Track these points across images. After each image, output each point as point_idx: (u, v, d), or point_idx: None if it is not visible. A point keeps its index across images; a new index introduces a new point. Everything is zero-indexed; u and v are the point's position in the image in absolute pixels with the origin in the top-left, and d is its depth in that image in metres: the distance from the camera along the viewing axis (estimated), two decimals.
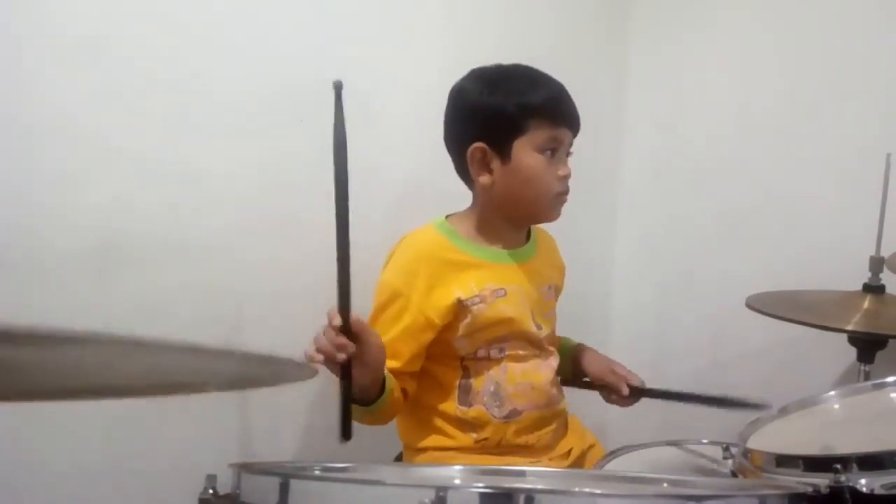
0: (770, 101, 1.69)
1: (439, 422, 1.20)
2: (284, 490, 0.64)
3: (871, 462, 0.79)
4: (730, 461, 1.01)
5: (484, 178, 1.17)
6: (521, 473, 0.90)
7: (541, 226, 1.31)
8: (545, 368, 1.24)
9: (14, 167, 1.03)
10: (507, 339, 1.20)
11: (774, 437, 0.96)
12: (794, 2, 1.68)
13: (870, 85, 1.57)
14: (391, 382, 1.12)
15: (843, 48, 1.60)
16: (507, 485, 0.80)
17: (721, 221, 1.77)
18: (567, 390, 1.31)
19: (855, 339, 1.36)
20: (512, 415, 1.19)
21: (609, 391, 1.30)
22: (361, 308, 1.20)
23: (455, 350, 1.18)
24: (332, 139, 0.94)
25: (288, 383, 0.61)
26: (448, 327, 1.17)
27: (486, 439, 1.19)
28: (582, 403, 1.37)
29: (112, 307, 1.10)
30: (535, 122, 1.14)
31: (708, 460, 1.14)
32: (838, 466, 0.78)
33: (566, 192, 1.19)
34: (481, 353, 1.19)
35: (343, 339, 0.97)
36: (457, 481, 0.90)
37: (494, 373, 1.19)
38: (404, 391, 1.17)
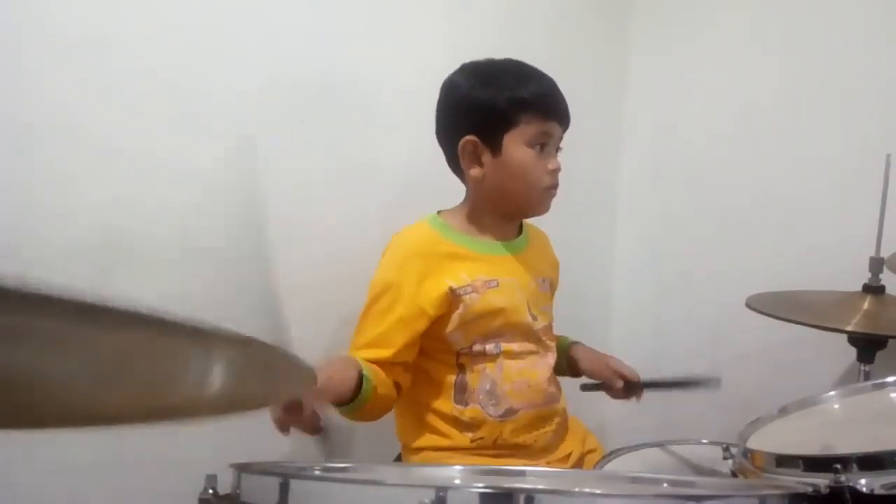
0: (770, 101, 1.70)
1: (435, 421, 1.20)
2: (284, 490, 0.64)
3: (871, 462, 0.79)
4: (730, 461, 1.01)
5: (475, 171, 1.18)
6: (521, 473, 0.90)
7: (535, 222, 1.32)
8: (542, 366, 1.24)
9: (14, 167, 1.03)
10: (502, 331, 1.19)
11: (774, 437, 0.96)
12: (794, 2, 1.68)
13: (870, 85, 1.57)
14: (371, 382, 1.11)
15: (843, 48, 1.60)
16: (507, 485, 0.80)
17: (721, 221, 1.77)
18: (567, 390, 1.31)
19: (855, 339, 1.36)
20: (508, 413, 1.19)
21: (607, 387, 1.30)
22: (359, 306, 1.21)
23: (450, 345, 1.18)
24: None
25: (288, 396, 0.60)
26: (441, 319, 1.17)
27: (482, 438, 1.19)
28: (582, 404, 1.37)
29: None
30: (525, 116, 1.15)
31: (708, 460, 1.14)
32: (838, 466, 0.78)
33: (555, 185, 1.20)
34: (476, 347, 1.19)
35: (308, 422, 0.98)
36: (457, 481, 0.90)
37: (490, 370, 1.19)
38: (397, 385, 1.17)
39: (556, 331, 1.33)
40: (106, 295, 0.40)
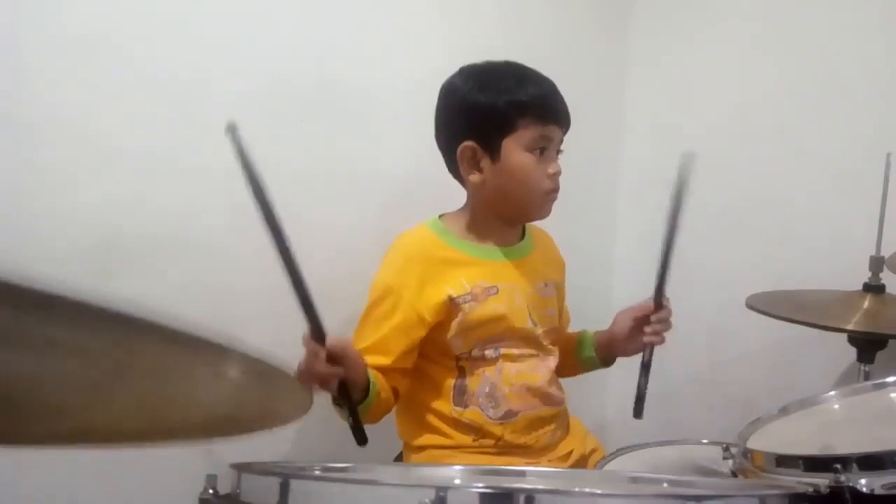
0: (770, 100, 1.70)
1: (436, 421, 1.20)
2: (284, 490, 0.64)
3: (871, 462, 0.79)
4: (730, 461, 1.01)
5: (474, 177, 1.18)
6: (522, 473, 0.91)
7: (538, 224, 1.31)
8: (542, 369, 1.23)
9: (14, 167, 1.03)
10: (502, 337, 1.19)
11: (774, 437, 0.96)
12: (793, 2, 1.68)
13: (870, 84, 1.57)
14: (376, 385, 1.12)
15: (842, 48, 1.60)
16: (507, 485, 0.80)
17: (721, 221, 1.77)
18: (568, 391, 1.31)
19: (855, 339, 1.36)
20: (507, 416, 1.19)
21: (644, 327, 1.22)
22: (358, 308, 1.21)
23: (450, 349, 1.18)
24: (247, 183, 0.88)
25: (284, 424, 0.60)
26: (440, 326, 1.17)
27: (482, 439, 1.18)
28: (582, 404, 1.37)
29: None
30: (523, 120, 1.14)
31: (708, 460, 1.14)
32: (838, 466, 0.78)
33: (556, 189, 1.19)
34: (476, 352, 1.18)
35: (333, 369, 1.00)
36: (457, 481, 0.90)
37: (490, 373, 1.19)
38: (395, 390, 1.17)
39: None
40: (113, 299, 0.39)
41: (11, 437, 0.45)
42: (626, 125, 1.92)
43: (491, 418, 1.18)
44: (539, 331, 1.23)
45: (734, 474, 0.96)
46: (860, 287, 1.36)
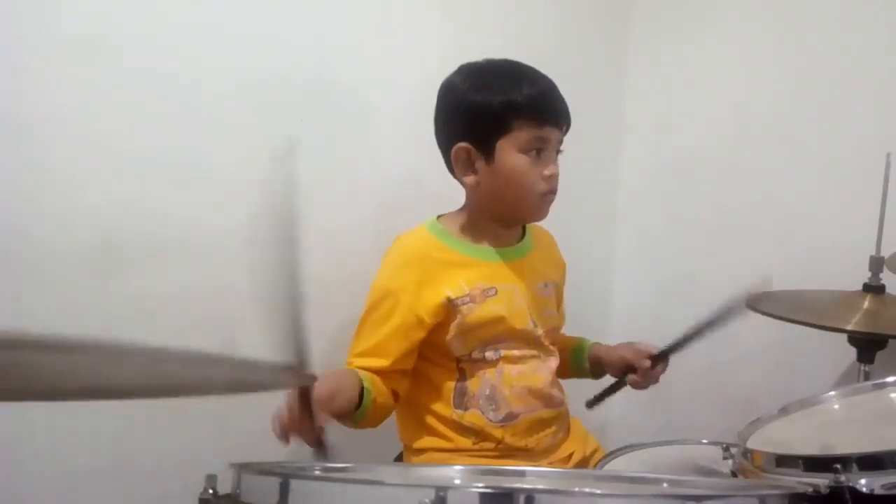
0: (770, 101, 1.69)
1: (436, 424, 1.20)
2: (284, 490, 0.64)
3: (871, 462, 0.79)
4: (730, 461, 1.01)
5: (469, 179, 1.17)
6: (522, 473, 0.90)
7: (541, 223, 1.30)
8: (543, 370, 1.23)
9: (14, 167, 1.03)
10: (502, 338, 1.19)
11: (774, 437, 0.96)
12: (794, 2, 1.68)
13: (870, 84, 1.57)
14: (371, 392, 1.12)
15: (842, 48, 1.60)
16: (507, 485, 0.80)
17: (721, 221, 1.77)
18: (568, 391, 1.31)
19: (855, 339, 1.36)
20: (508, 418, 1.19)
21: (634, 371, 1.25)
22: (357, 311, 1.20)
23: (450, 351, 1.18)
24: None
25: (283, 389, 0.61)
26: (439, 327, 1.16)
27: (483, 442, 1.18)
28: (582, 404, 1.37)
29: (112, 307, 1.10)
30: (518, 121, 1.13)
31: (708, 460, 1.14)
32: (838, 466, 0.78)
33: (553, 191, 1.18)
34: (476, 354, 1.18)
35: (315, 434, 0.94)
36: (457, 481, 0.90)
37: (490, 376, 1.18)
38: (395, 392, 1.17)
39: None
40: (104, 339, 0.41)
41: (24, 391, 0.46)
42: (626, 125, 1.91)
43: (491, 421, 1.18)
44: (540, 331, 1.23)
45: (734, 474, 0.96)
46: (860, 287, 1.36)
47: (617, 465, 1.14)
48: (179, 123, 1.17)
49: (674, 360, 1.26)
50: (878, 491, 0.77)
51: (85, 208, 1.09)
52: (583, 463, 1.26)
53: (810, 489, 0.75)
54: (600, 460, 1.18)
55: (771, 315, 1.31)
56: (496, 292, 1.18)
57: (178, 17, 1.16)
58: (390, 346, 1.15)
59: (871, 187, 1.35)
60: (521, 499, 0.59)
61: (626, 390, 1.30)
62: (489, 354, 1.19)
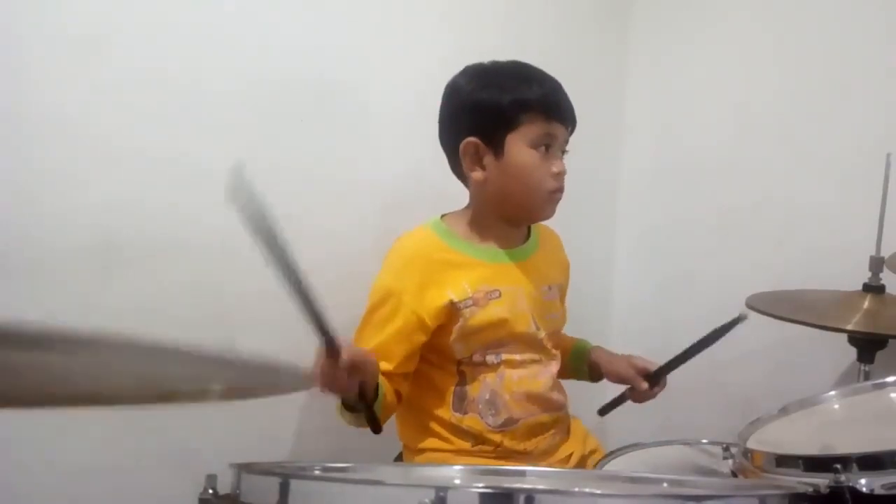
0: (770, 101, 1.69)
1: (436, 426, 1.19)
2: (284, 490, 0.64)
3: (871, 462, 0.79)
4: (730, 461, 1.01)
5: (476, 174, 1.17)
6: (521, 473, 0.90)
7: (547, 224, 1.30)
8: (544, 374, 1.22)
9: (14, 167, 1.03)
10: (504, 342, 1.18)
11: (774, 437, 0.96)
12: (794, 2, 1.68)
13: (870, 85, 1.57)
14: (384, 387, 1.12)
15: (843, 48, 1.60)
16: (507, 485, 0.80)
17: (721, 221, 1.77)
18: (570, 392, 1.30)
19: (855, 339, 1.36)
20: (508, 423, 1.18)
21: (629, 394, 1.27)
22: (358, 311, 1.20)
23: (451, 354, 1.18)
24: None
25: (286, 393, 0.61)
26: (441, 330, 1.16)
27: (482, 445, 1.18)
28: (582, 405, 1.37)
29: (112, 307, 1.10)
30: (528, 116, 1.13)
31: (708, 460, 1.14)
32: (838, 466, 0.78)
33: (560, 189, 1.18)
34: (477, 357, 1.18)
35: (354, 378, 1.00)
36: (457, 481, 0.90)
37: (490, 380, 1.18)
38: (398, 393, 1.17)
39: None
40: (98, 328, 0.41)
41: (21, 397, 0.46)
42: (626, 125, 1.91)
43: (490, 426, 1.17)
44: (542, 335, 1.22)
45: (734, 474, 0.96)
46: (860, 287, 1.36)
47: (617, 465, 1.14)
48: (179, 123, 1.16)
49: None
50: (878, 491, 0.77)
51: (85, 208, 1.09)
52: (581, 462, 1.26)
53: (810, 489, 0.75)
54: (600, 460, 1.18)
55: (771, 315, 1.31)
56: (499, 294, 1.18)
57: (178, 17, 1.16)
58: (393, 349, 1.14)
59: (871, 187, 1.35)
60: (521, 499, 0.59)
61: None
62: (490, 358, 1.18)
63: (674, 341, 1.25)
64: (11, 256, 1.03)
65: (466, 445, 1.18)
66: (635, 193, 1.92)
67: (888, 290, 1.35)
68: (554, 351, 1.25)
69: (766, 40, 1.71)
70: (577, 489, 0.82)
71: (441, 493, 0.57)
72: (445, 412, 1.18)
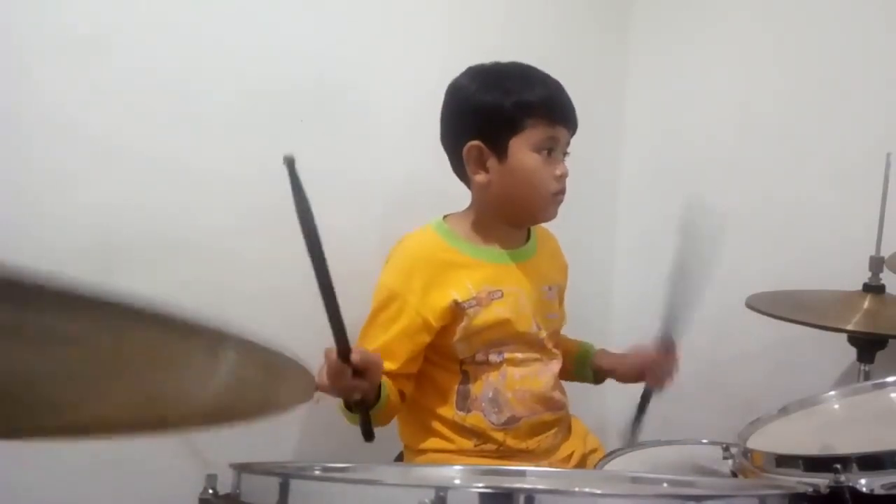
0: (770, 101, 1.70)
1: (438, 426, 1.19)
2: (284, 490, 0.64)
3: (871, 462, 0.79)
4: (730, 461, 1.01)
5: (480, 177, 1.17)
6: (522, 473, 0.90)
7: (546, 226, 1.30)
8: (546, 374, 1.23)
9: (14, 167, 1.03)
10: (506, 341, 1.19)
11: (774, 437, 0.96)
12: (794, 2, 1.68)
13: (870, 85, 1.57)
14: (387, 388, 1.12)
15: (843, 48, 1.60)
16: (507, 485, 0.80)
17: (721, 221, 1.77)
18: (570, 392, 1.30)
19: (855, 339, 1.36)
20: (510, 422, 1.18)
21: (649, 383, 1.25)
22: (360, 312, 1.20)
23: (454, 354, 1.18)
24: (296, 211, 0.90)
25: (284, 411, 0.60)
26: (445, 330, 1.16)
27: (484, 444, 1.18)
28: (582, 404, 1.37)
29: None
30: (531, 120, 1.13)
31: (708, 460, 1.14)
32: (838, 466, 0.78)
33: (563, 191, 1.18)
34: (480, 356, 1.18)
35: (358, 381, 1.00)
36: (457, 481, 0.90)
37: (493, 378, 1.18)
38: (401, 393, 1.17)
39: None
40: (109, 289, 0.39)
41: (8, 431, 0.44)
42: (626, 125, 1.92)
43: (493, 424, 1.18)
44: (543, 334, 1.22)
45: (734, 474, 0.96)
46: (860, 287, 1.36)
47: (617, 465, 1.14)
48: (179, 124, 1.16)
49: None
50: (878, 491, 0.76)
51: (85, 208, 1.09)
52: (582, 461, 1.26)
53: (810, 489, 0.75)
54: (600, 460, 1.18)
55: (771, 315, 1.31)
56: (502, 295, 1.18)
57: (178, 18, 1.16)
58: (397, 349, 1.14)
59: (871, 187, 1.35)
60: (521, 499, 0.59)
61: (626, 392, 1.30)
62: (493, 357, 1.18)
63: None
64: (11, 256, 1.03)
65: (469, 445, 1.18)
66: (635, 193, 1.93)
67: (888, 290, 1.35)
68: (555, 350, 1.26)
69: (766, 40, 1.71)
70: (577, 489, 0.82)
71: (441, 493, 0.57)
72: (448, 411, 1.18)
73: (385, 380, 1.12)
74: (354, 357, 0.97)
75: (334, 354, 0.96)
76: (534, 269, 1.24)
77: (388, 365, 1.13)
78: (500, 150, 1.15)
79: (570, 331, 1.40)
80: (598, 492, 0.74)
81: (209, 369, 0.50)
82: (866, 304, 1.33)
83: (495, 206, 1.20)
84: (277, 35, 1.26)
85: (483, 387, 1.18)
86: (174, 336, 0.46)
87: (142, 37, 1.12)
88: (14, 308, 0.36)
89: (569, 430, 1.29)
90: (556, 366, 1.25)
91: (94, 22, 1.07)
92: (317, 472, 0.81)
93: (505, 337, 1.18)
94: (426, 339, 1.16)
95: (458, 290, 1.15)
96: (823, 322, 1.28)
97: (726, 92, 1.76)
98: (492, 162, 1.16)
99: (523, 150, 1.14)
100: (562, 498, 0.67)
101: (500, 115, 1.13)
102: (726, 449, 1.07)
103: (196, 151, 1.18)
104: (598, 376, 1.35)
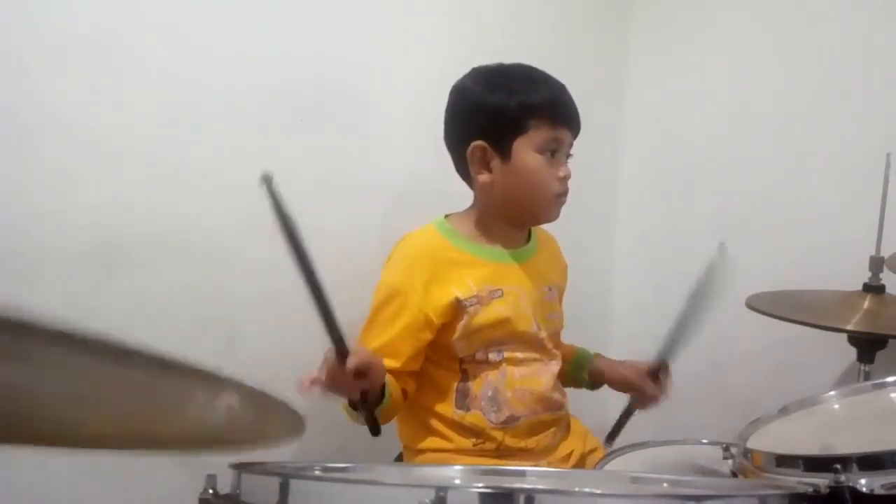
0: (770, 101, 1.70)
1: (437, 424, 1.19)
2: (284, 490, 0.64)
3: (871, 462, 0.79)
4: (730, 461, 1.01)
5: (483, 177, 1.17)
6: (522, 473, 0.91)
7: (545, 227, 1.30)
8: (545, 374, 1.23)
9: (14, 167, 1.03)
10: (506, 340, 1.19)
11: (774, 437, 0.96)
12: (794, 2, 1.68)
13: (870, 85, 1.57)
14: (391, 386, 1.12)
15: (843, 48, 1.60)
16: (507, 485, 0.80)
17: (721, 221, 1.77)
18: (569, 392, 1.30)
19: (855, 339, 1.36)
20: (510, 420, 1.18)
21: (636, 402, 1.24)
22: (360, 312, 1.20)
23: (454, 352, 1.18)
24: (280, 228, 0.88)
25: (276, 444, 0.60)
26: (445, 328, 1.16)
27: (483, 443, 1.18)
28: (582, 404, 1.37)
29: (112, 307, 1.10)
30: (535, 121, 1.14)
31: (708, 460, 1.14)
32: (838, 466, 0.78)
33: (565, 192, 1.19)
34: (479, 355, 1.18)
35: (358, 382, 1.00)
36: (457, 481, 0.90)
37: (493, 377, 1.18)
38: (404, 391, 1.17)
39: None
40: (116, 336, 0.41)
41: (9, 438, 0.45)
42: (626, 125, 1.92)
43: (492, 423, 1.18)
44: (543, 334, 1.23)
45: (734, 474, 0.96)
46: (860, 287, 1.36)
47: (617, 465, 1.14)
48: (179, 123, 1.16)
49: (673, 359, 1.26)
50: (878, 491, 0.76)
51: (85, 208, 1.09)
52: (581, 460, 1.26)
53: (810, 489, 0.75)
54: (600, 460, 1.18)
55: (771, 315, 1.31)
56: (502, 294, 1.18)
57: (178, 18, 1.15)
58: (400, 347, 1.15)
59: (871, 187, 1.35)
60: (521, 499, 0.60)
61: (626, 395, 1.29)
62: (492, 356, 1.18)
63: None
64: (11, 256, 1.03)
65: (467, 444, 1.18)
66: (635, 193, 1.93)
67: (888, 290, 1.35)
68: (554, 351, 1.26)
69: (766, 40, 1.71)
70: (577, 489, 0.82)
71: (441, 493, 0.57)
72: (448, 409, 1.18)
73: (389, 378, 1.12)
74: (350, 362, 0.96)
75: (333, 356, 0.96)
76: (534, 270, 1.24)
77: (391, 363, 1.13)
78: (504, 151, 1.15)
79: (569, 331, 1.39)
80: (598, 492, 0.74)
81: (208, 407, 0.51)
82: (866, 304, 1.33)
83: (498, 207, 1.20)
84: (277, 35, 1.26)
85: (482, 385, 1.18)
86: (172, 378, 0.47)
87: (142, 37, 1.12)
88: (15, 341, 0.37)
89: (567, 429, 1.29)
90: (555, 366, 1.25)
91: (94, 22, 1.07)
92: (317, 472, 0.82)
93: (505, 336, 1.19)
94: (428, 336, 1.16)
95: (459, 287, 1.16)
96: (823, 322, 1.28)
97: (726, 92, 1.76)
98: (495, 162, 1.16)
99: (527, 151, 1.14)
100: (562, 498, 0.67)
101: (504, 115, 1.14)
102: (726, 449, 1.07)
103: (196, 151, 1.18)
104: (593, 379, 1.35)
